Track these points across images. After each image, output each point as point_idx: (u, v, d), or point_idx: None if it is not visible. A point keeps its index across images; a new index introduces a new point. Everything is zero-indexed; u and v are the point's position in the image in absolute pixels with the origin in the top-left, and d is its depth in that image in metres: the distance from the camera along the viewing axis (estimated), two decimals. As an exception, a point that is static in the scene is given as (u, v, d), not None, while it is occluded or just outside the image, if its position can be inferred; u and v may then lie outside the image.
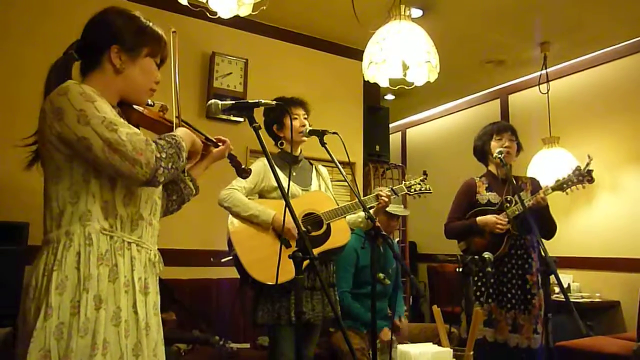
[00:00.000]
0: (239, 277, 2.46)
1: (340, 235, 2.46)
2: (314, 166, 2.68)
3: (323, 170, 2.71)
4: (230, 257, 2.38)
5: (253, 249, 2.31)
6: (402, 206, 3.17)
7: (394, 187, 2.61)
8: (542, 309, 2.64)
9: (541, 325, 2.61)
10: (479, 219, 2.74)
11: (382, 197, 2.49)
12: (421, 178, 2.68)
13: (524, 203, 2.57)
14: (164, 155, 1.24)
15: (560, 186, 2.70)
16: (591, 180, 2.68)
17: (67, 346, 1.15)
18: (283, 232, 2.29)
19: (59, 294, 1.17)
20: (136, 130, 1.25)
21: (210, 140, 1.57)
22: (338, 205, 2.51)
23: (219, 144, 1.56)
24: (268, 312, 2.31)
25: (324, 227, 2.43)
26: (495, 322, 2.68)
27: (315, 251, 2.37)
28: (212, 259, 3.40)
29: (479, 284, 2.73)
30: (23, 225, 2.69)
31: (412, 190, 2.63)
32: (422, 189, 2.64)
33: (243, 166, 1.63)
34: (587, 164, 2.68)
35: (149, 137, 1.26)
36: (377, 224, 1.95)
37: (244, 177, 1.68)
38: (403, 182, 2.67)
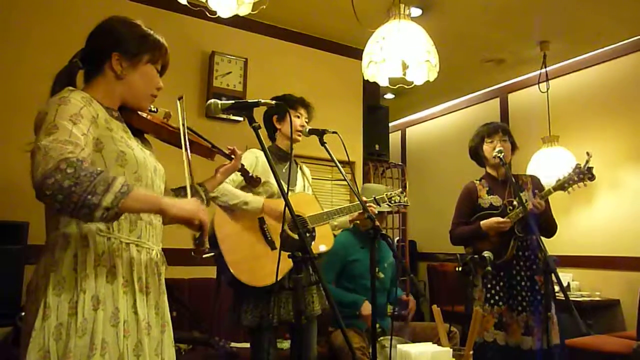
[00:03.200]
0: (217, 272, 2.45)
1: (324, 241, 2.47)
2: (298, 166, 2.69)
3: (307, 170, 2.73)
4: (213, 254, 2.37)
5: (237, 248, 2.29)
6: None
7: (376, 197, 2.65)
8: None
9: (550, 324, 2.57)
10: (482, 223, 2.71)
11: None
12: (400, 191, 2.77)
13: (525, 206, 2.54)
14: (69, 171, 1.06)
15: (562, 186, 2.66)
16: (592, 178, 2.63)
17: (65, 346, 1.15)
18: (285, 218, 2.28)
19: (56, 294, 1.18)
20: (72, 139, 1.14)
21: (220, 151, 1.58)
22: (322, 208, 2.51)
23: (231, 155, 1.59)
24: (252, 314, 2.31)
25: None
26: (506, 325, 2.62)
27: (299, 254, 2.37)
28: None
29: (489, 285, 2.69)
30: (23, 225, 2.69)
31: (392, 201, 2.70)
32: (401, 200, 2.72)
33: (251, 174, 1.64)
34: (587, 162, 2.63)
35: (84, 154, 1.14)
36: (377, 223, 1.95)
37: (254, 186, 1.68)
38: (384, 194, 2.72)
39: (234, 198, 2.30)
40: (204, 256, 2.44)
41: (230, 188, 2.36)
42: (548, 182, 3.23)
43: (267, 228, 2.34)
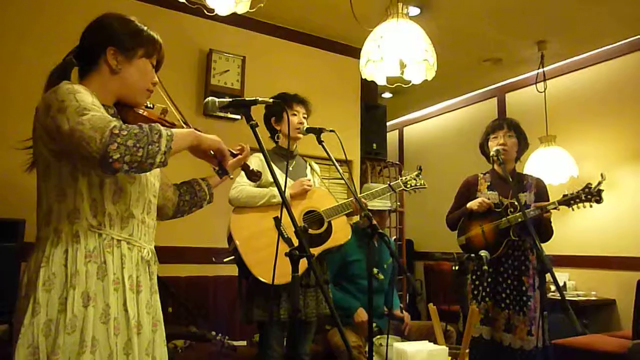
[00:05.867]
0: (237, 275, 2.46)
1: (341, 232, 2.47)
2: (307, 163, 2.69)
3: (316, 167, 2.73)
4: (232, 257, 2.38)
5: (257, 248, 2.31)
6: (388, 201, 3.15)
7: (391, 183, 2.63)
8: (537, 311, 2.63)
9: (536, 327, 2.61)
10: (468, 204, 2.80)
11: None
12: (416, 173, 2.71)
13: (525, 213, 2.53)
14: (124, 133, 1.14)
15: (567, 202, 2.64)
16: (599, 201, 2.59)
17: (54, 343, 1.15)
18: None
19: (46, 290, 1.18)
20: (106, 115, 1.21)
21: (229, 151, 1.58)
22: (337, 201, 2.51)
23: (238, 154, 1.59)
24: (262, 309, 2.33)
25: (325, 225, 2.44)
26: (492, 320, 2.69)
27: (318, 249, 2.38)
28: (213, 259, 3.40)
29: (477, 282, 2.74)
30: (19, 222, 2.68)
31: (409, 185, 2.66)
32: (418, 184, 2.68)
33: (252, 168, 1.64)
34: (599, 183, 2.59)
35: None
36: (375, 221, 1.95)
37: (254, 181, 1.69)
38: (400, 179, 2.68)
39: (261, 198, 2.37)
40: (224, 260, 2.45)
41: (254, 190, 2.37)
42: (546, 182, 3.22)
43: (283, 227, 2.36)
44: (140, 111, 1.43)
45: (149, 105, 1.49)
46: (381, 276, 3.12)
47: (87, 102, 1.21)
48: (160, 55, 1.46)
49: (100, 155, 1.12)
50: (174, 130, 1.26)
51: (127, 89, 1.39)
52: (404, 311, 3.27)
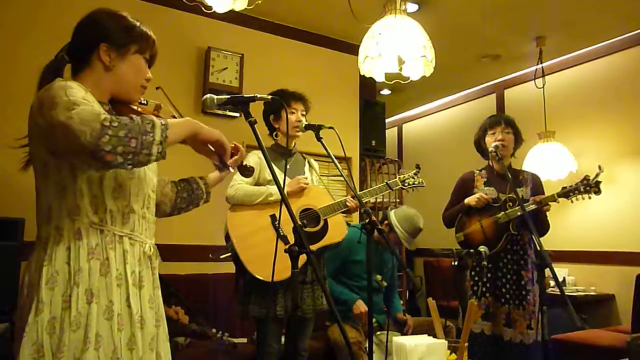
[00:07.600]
0: (235, 272, 2.46)
1: (337, 230, 2.48)
2: (306, 160, 2.69)
3: (315, 164, 2.73)
4: (229, 254, 2.38)
5: (253, 245, 2.31)
6: (412, 239, 3.10)
7: (388, 182, 2.63)
8: (536, 305, 2.65)
9: (535, 321, 2.63)
10: (466, 200, 2.80)
11: (348, 203, 2.49)
12: (414, 172, 2.71)
13: (524, 207, 2.54)
14: (115, 124, 1.11)
15: (566, 194, 2.67)
16: (598, 192, 2.62)
17: (59, 341, 1.15)
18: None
19: (49, 288, 1.18)
20: (96, 108, 1.18)
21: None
22: (334, 199, 2.51)
23: (234, 153, 1.58)
24: (259, 306, 2.33)
25: (322, 222, 2.44)
26: (492, 315, 2.71)
27: (314, 247, 2.39)
28: (210, 255, 3.40)
29: (476, 278, 2.75)
30: (19, 221, 2.68)
31: (407, 184, 2.66)
32: (416, 182, 2.68)
33: (245, 164, 1.64)
34: (597, 175, 2.62)
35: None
36: (373, 218, 1.95)
37: (247, 176, 1.69)
38: (397, 177, 2.69)
39: (259, 196, 2.38)
40: (221, 257, 2.45)
41: (251, 188, 2.38)
42: (544, 178, 3.23)
43: (279, 224, 2.36)
44: (135, 107, 1.43)
45: (142, 102, 1.49)
46: (385, 283, 3.13)
47: (78, 97, 1.19)
48: (154, 50, 1.44)
49: (91, 148, 1.09)
50: (169, 120, 1.23)
51: (120, 86, 1.38)
52: (406, 314, 3.27)
